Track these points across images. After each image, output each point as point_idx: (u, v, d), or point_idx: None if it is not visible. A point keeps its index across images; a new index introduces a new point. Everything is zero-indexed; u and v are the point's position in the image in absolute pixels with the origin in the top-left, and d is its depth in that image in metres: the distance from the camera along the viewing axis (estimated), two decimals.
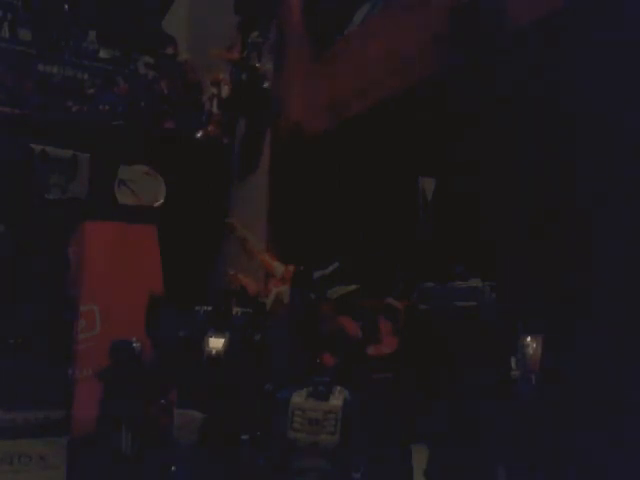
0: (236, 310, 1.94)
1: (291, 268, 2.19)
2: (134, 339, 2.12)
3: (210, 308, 1.94)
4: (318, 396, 1.54)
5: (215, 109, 3.46)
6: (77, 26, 3.56)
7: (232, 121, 3.41)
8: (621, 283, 1.57)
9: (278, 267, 2.27)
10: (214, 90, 3.44)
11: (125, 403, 2.03)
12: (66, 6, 3.56)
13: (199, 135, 3.46)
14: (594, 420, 1.53)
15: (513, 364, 1.47)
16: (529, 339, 1.49)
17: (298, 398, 1.55)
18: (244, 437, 1.76)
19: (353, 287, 2.01)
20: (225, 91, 3.35)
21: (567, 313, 1.64)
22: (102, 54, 3.59)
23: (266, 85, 3.09)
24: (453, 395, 1.46)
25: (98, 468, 2.02)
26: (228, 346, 1.83)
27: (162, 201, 3.24)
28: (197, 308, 1.96)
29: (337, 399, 1.53)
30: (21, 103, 3.15)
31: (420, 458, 1.51)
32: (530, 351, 1.48)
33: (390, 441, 1.58)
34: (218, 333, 1.85)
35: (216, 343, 1.83)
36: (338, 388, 1.55)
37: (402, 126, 2.28)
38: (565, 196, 1.76)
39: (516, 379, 1.46)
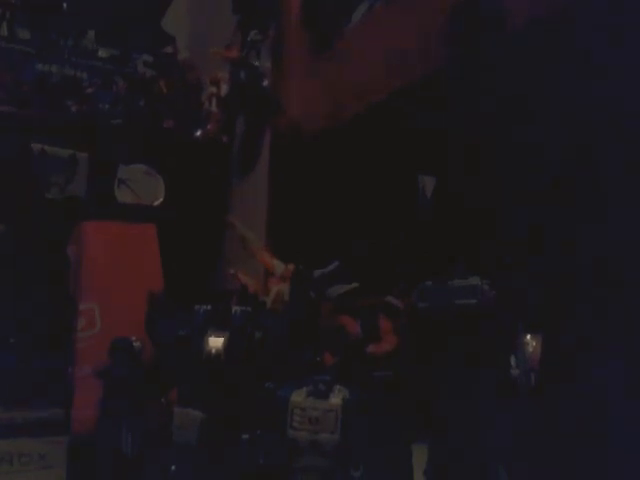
0: (236, 309, 1.94)
1: (291, 267, 2.19)
2: (134, 338, 2.12)
3: (210, 307, 1.93)
4: (318, 395, 1.54)
5: (214, 108, 3.45)
6: (76, 25, 3.56)
7: (231, 120, 3.40)
8: (621, 282, 1.57)
9: (278, 266, 2.27)
10: (213, 89, 3.44)
11: (125, 403, 2.03)
12: (65, 5, 3.56)
13: (198, 134, 3.46)
14: (593, 419, 1.53)
15: (513, 363, 1.47)
16: (529, 338, 1.49)
17: (298, 397, 1.55)
18: (244, 437, 1.76)
19: (353, 286, 2.01)
20: (224, 90, 3.35)
21: (567, 312, 1.64)
22: (101, 53, 3.59)
23: (265, 84, 3.09)
24: (453, 394, 1.46)
25: (98, 468, 2.02)
26: (228, 345, 1.83)
27: (161, 200, 3.24)
28: (197, 307, 1.95)
29: (337, 397, 1.53)
30: (20, 102, 3.14)
31: (420, 458, 1.51)
32: (530, 349, 1.49)
33: (390, 440, 1.57)
34: (218, 332, 1.84)
35: (216, 342, 1.83)
36: (338, 387, 1.55)
37: (402, 125, 2.28)
38: (565, 196, 1.76)
39: (516, 378, 1.46)
